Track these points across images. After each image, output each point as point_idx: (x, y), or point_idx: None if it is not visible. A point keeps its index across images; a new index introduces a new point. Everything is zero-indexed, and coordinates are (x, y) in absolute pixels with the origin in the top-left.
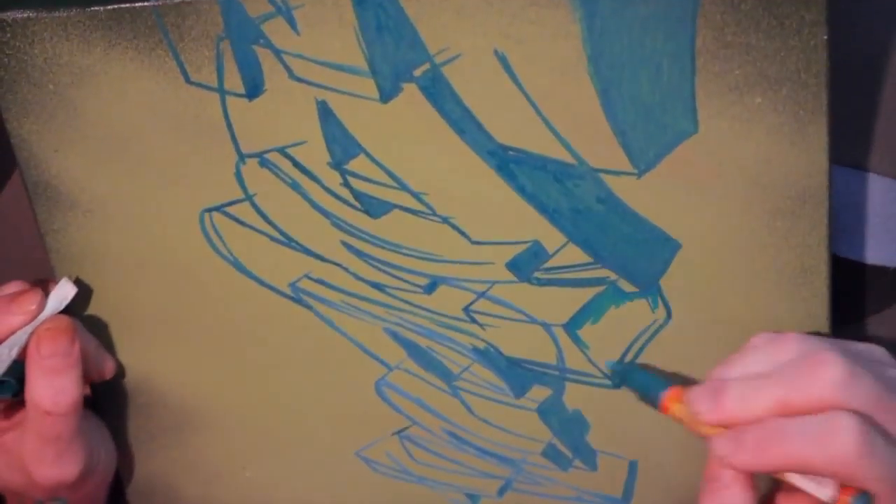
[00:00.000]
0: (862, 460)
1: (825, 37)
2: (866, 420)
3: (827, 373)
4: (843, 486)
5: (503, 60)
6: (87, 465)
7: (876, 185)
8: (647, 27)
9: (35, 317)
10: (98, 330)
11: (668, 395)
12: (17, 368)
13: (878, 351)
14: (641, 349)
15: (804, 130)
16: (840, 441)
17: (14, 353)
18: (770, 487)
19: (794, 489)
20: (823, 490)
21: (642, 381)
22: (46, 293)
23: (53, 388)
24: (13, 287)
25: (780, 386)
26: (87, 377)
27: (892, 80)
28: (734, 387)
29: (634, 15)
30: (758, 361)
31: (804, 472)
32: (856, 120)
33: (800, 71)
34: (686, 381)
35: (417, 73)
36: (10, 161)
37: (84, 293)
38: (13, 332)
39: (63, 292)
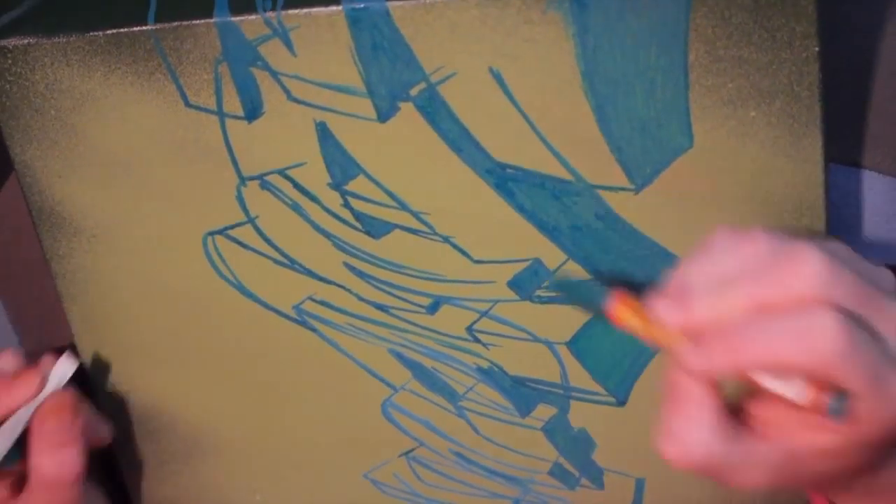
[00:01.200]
0: (845, 358)
1: (817, 49)
2: (849, 316)
3: (806, 267)
4: (819, 385)
5: (498, 78)
6: None
7: (876, 184)
8: (640, 42)
9: (36, 396)
10: (104, 354)
11: (616, 302)
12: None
13: (844, 249)
14: (644, 364)
15: (799, 143)
16: (823, 338)
17: (18, 431)
18: (735, 393)
19: (759, 392)
20: (795, 390)
21: (583, 291)
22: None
23: (58, 460)
24: (9, 360)
25: (755, 284)
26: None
27: (889, 75)
28: (702, 287)
29: (627, 30)
30: (724, 260)
31: (781, 373)
32: (854, 118)
33: (792, 84)
34: (631, 286)
35: (414, 92)
36: (8, 161)
37: (90, 318)
38: (14, 412)
39: (63, 369)
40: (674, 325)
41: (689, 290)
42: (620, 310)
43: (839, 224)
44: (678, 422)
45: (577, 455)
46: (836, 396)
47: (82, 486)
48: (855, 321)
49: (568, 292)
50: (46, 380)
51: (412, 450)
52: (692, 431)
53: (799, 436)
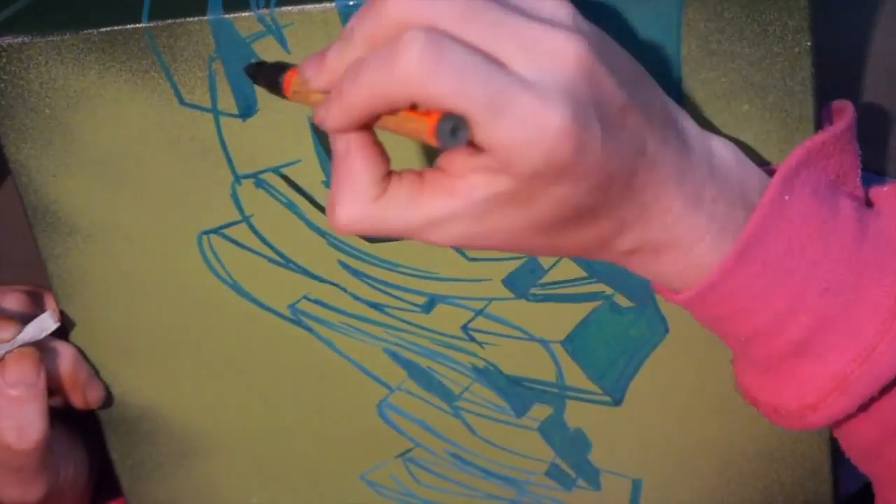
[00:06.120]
0: (430, 73)
1: (809, 43)
2: (438, 32)
3: None
4: (431, 112)
5: None
6: (53, 485)
7: (868, 183)
8: (633, 37)
9: (9, 341)
10: (99, 355)
11: (288, 76)
12: None
13: None
14: (640, 363)
15: (792, 139)
16: (403, 57)
17: None
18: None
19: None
20: (413, 125)
21: (266, 71)
22: (41, 307)
23: (18, 420)
24: (11, 299)
25: (362, 19)
26: (74, 404)
27: (881, 74)
28: (336, 43)
29: (619, 25)
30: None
31: (394, 107)
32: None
33: (785, 78)
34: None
35: None
36: (6, 161)
37: (85, 318)
38: None
39: (44, 323)
40: (316, 85)
41: (328, 47)
42: (291, 84)
43: None
44: (336, 192)
45: (573, 455)
46: (442, 120)
47: (45, 450)
48: (445, 35)
49: (254, 74)
50: (21, 330)
51: (408, 451)
52: (346, 201)
53: (473, 184)
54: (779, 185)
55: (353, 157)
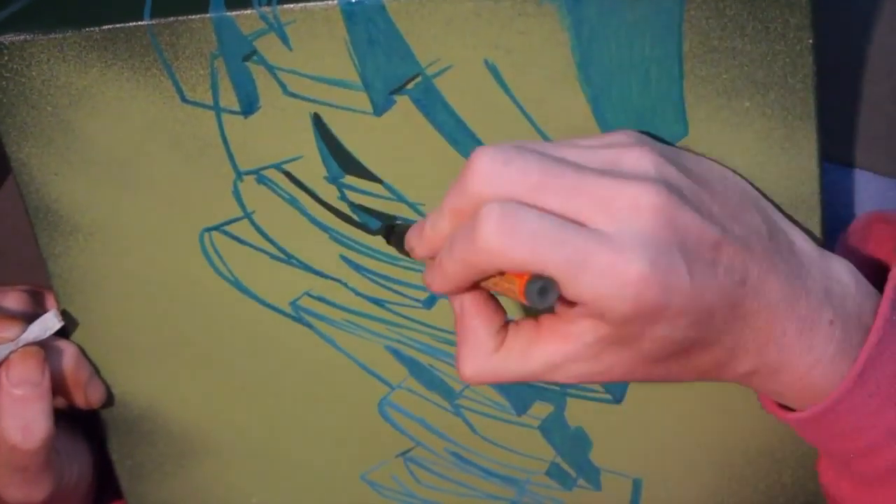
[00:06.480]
0: (506, 243)
1: (811, 41)
2: (514, 202)
3: (474, 165)
4: (522, 274)
5: (493, 70)
6: (57, 485)
7: (870, 185)
8: (635, 33)
9: (13, 340)
10: (100, 355)
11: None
12: None
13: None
14: None
15: (793, 136)
16: (482, 231)
17: None
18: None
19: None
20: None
21: (398, 233)
22: (43, 307)
23: (22, 420)
24: (12, 299)
25: (452, 195)
26: (76, 403)
27: (883, 74)
28: (431, 215)
29: (621, 21)
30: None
31: (486, 274)
32: (849, 118)
33: (787, 75)
34: None
35: (409, 85)
36: (7, 161)
37: (85, 318)
38: None
39: (48, 323)
40: (419, 254)
41: (426, 216)
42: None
43: (833, 224)
44: (458, 349)
45: (573, 454)
46: (530, 282)
47: (49, 449)
48: (520, 205)
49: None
50: (24, 329)
51: (409, 450)
52: (468, 356)
53: (582, 329)
54: (890, 303)
55: (469, 315)
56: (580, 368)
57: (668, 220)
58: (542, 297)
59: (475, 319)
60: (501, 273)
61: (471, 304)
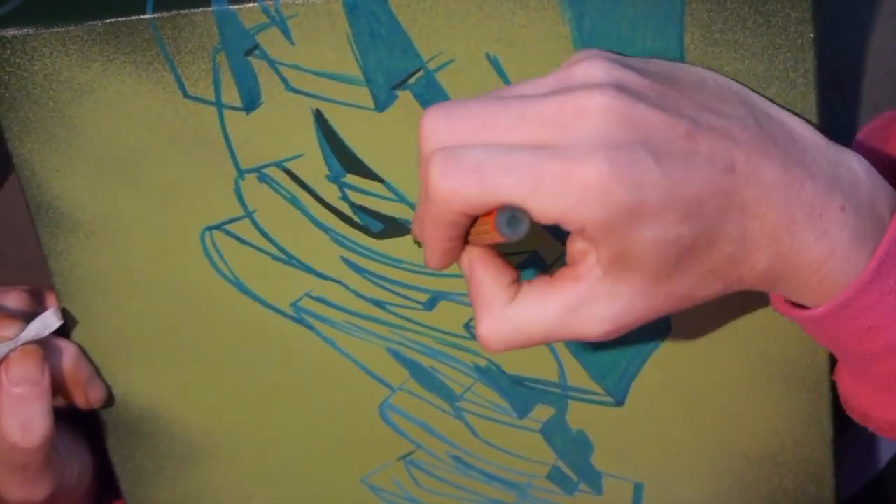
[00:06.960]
0: (453, 184)
1: (812, 35)
2: (452, 146)
3: (420, 128)
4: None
5: (495, 64)
6: (57, 484)
7: None
8: (636, 26)
9: (13, 339)
10: (101, 354)
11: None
12: None
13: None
14: (642, 363)
15: None
16: (430, 181)
17: None
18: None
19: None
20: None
21: None
22: (43, 306)
23: (22, 418)
24: (12, 298)
25: (419, 166)
26: (76, 403)
27: (883, 75)
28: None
29: (623, 15)
30: None
31: (459, 226)
32: (850, 118)
33: (788, 69)
34: None
35: (411, 80)
36: (8, 159)
37: (86, 316)
38: None
39: (47, 321)
40: (419, 237)
41: None
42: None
43: None
44: (474, 311)
45: (575, 458)
46: (497, 215)
47: (49, 448)
48: (461, 148)
49: None
50: (24, 328)
51: (410, 453)
52: (482, 314)
53: (589, 264)
54: None
55: (476, 272)
56: (601, 310)
57: (623, 119)
58: (513, 227)
59: (482, 274)
60: (474, 222)
61: (476, 261)
